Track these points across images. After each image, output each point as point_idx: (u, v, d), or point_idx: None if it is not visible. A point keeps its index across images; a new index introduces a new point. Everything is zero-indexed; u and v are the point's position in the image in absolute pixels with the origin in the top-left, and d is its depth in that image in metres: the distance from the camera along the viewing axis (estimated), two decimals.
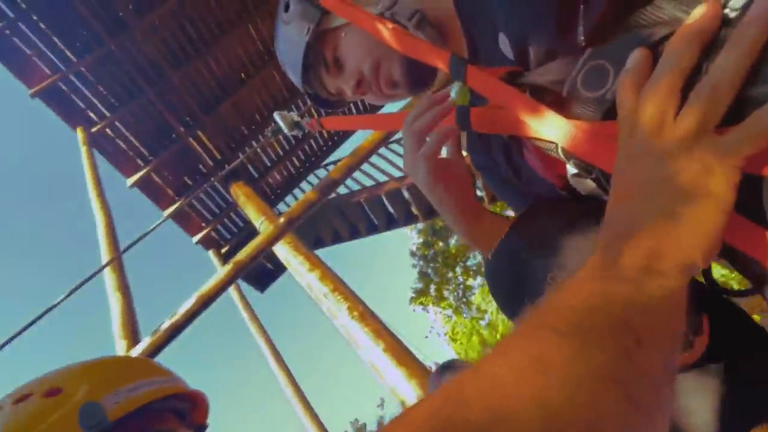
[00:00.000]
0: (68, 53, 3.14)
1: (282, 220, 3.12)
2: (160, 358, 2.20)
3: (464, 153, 0.50)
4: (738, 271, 0.33)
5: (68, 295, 2.08)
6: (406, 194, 4.71)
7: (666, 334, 0.21)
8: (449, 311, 10.29)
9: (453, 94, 0.43)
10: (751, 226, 0.25)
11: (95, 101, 3.38)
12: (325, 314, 2.76)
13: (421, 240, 10.70)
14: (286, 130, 0.83)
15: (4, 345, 1.99)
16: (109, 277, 2.52)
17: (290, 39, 0.57)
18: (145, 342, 2.24)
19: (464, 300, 10.24)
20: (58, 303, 2.05)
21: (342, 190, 4.48)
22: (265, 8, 3.76)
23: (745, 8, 0.23)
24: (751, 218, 0.25)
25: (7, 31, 2.95)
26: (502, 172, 0.50)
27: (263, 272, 5.07)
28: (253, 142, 4.30)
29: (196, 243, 4.25)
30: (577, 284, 0.22)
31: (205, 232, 4.23)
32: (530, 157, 0.44)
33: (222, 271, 2.65)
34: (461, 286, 10.32)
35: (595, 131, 0.32)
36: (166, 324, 2.29)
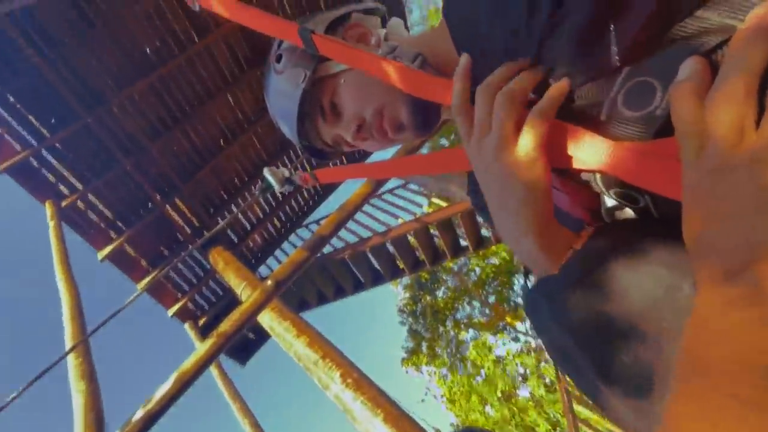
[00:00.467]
0: (42, 129, 3.10)
1: (269, 282, 2.98)
2: None
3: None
4: None
5: (27, 387, 1.83)
6: (390, 248, 4.66)
7: None
8: (444, 369, 9.81)
9: None
10: None
11: (67, 174, 3.30)
12: (315, 384, 2.53)
13: (407, 295, 10.48)
14: (276, 187, 0.80)
15: None
16: (72, 363, 2.26)
17: (284, 89, 0.55)
18: None
19: (458, 356, 9.84)
20: (14, 398, 1.79)
21: (325, 248, 4.39)
22: (244, 78, 3.91)
23: None
24: None
25: None
26: None
27: (244, 343, 4.75)
28: (233, 207, 4.24)
29: (172, 316, 3.98)
30: (729, 326, 0.18)
31: (181, 303, 3.98)
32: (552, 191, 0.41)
33: (203, 345, 2.44)
34: (453, 341, 9.96)
35: (645, 151, 0.29)
36: (139, 414, 2.02)
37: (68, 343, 2.29)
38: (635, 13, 0.27)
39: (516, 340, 10.15)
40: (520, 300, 9.81)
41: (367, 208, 4.60)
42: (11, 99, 2.95)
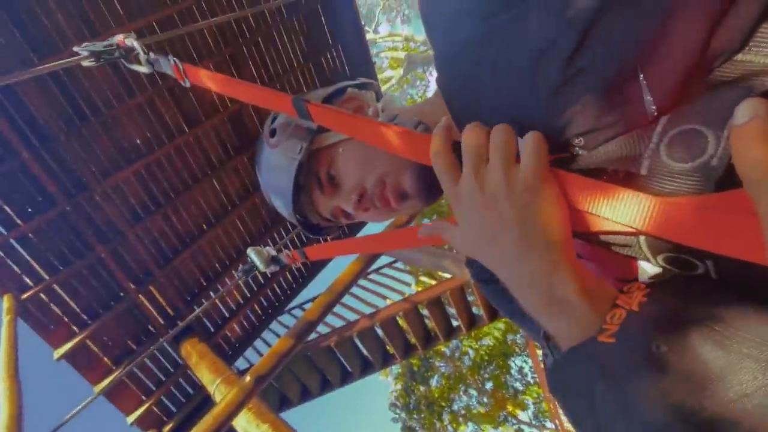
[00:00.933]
0: (15, 217, 2.99)
1: (248, 379, 2.67)
2: None
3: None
4: None
5: None
6: (379, 332, 4.39)
7: None
8: None
9: None
10: None
11: (34, 265, 3.10)
12: None
13: (399, 387, 9.70)
14: (261, 267, 0.76)
15: None
16: None
17: (278, 163, 0.53)
18: None
19: None
20: None
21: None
22: (230, 164, 4.00)
23: None
24: None
25: None
26: None
27: None
28: (212, 294, 4.02)
29: (132, 424, 3.47)
30: None
31: (145, 407, 3.50)
32: None
33: None
34: None
35: (705, 206, 0.25)
36: None
37: None
38: (672, 59, 0.25)
39: (519, 431, 9.25)
40: (518, 385, 9.21)
41: (352, 289, 4.44)
42: None
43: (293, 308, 4.75)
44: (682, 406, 0.22)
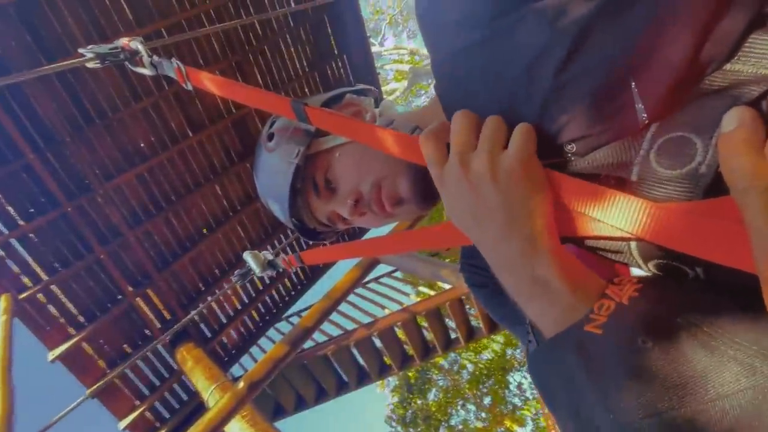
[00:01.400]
0: (17, 217, 3.00)
1: (241, 385, 2.64)
2: None
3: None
4: None
5: None
6: (377, 342, 4.36)
7: None
8: None
9: None
10: None
11: (34, 265, 3.11)
12: None
13: (396, 399, 9.58)
14: (257, 271, 0.76)
15: None
16: None
17: (275, 167, 0.53)
18: None
19: None
20: None
21: (305, 344, 4.06)
22: (233, 170, 4.02)
23: None
24: None
25: None
26: None
27: None
28: (209, 298, 4.00)
29: (124, 429, 3.42)
30: None
31: (137, 412, 3.46)
32: None
33: None
34: None
35: (695, 212, 0.25)
36: None
37: None
38: (663, 68, 0.25)
39: None
40: (517, 401, 9.08)
41: (351, 298, 4.41)
42: None
43: (291, 315, 4.73)
44: (661, 401, 0.22)
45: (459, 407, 9.32)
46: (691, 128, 0.26)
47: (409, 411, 9.20)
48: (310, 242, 0.66)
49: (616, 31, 0.26)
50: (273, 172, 0.54)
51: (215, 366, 3.37)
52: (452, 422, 9.24)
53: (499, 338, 8.16)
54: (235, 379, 4.12)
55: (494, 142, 0.31)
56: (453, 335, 4.47)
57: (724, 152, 0.22)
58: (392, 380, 9.39)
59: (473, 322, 4.48)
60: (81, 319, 3.30)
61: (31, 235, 3.05)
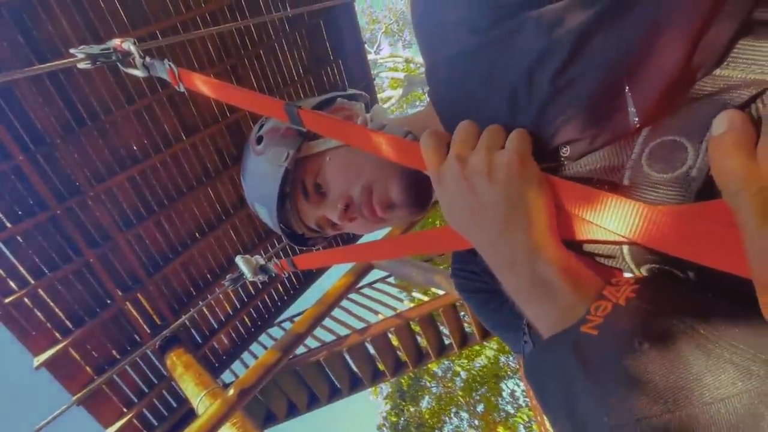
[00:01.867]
0: (3, 219, 2.95)
1: (231, 392, 2.60)
2: None
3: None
4: None
5: None
6: (370, 348, 4.32)
7: None
8: None
9: None
10: None
11: (20, 268, 3.05)
12: None
13: (388, 406, 9.50)
14: (249, 275, 0.75)
15: None
16: None
17: (263, 170, 0.52)
18: None
19: None
20: None
21: (297, 350, 4.01)
22: (227, 173, 4.00)
23: None
24: None
25: None
26: (506, 296, 0.41)
27: None
28: (201, 303, 3.95)
29: None
30: None
31: (125, 419, 3.39)
32: None
33: None
34: None
35: (688, 215, 0.25)
36: None
37: None
38: (656, 73, 0.26)
39: None
40: (510, 408, 9.05)
41: (344, 303, 4.39)
42: None
43: (283, 321, 4.68)
44: (656, 404, 0.21)
45: (452, 415, 9.28)
46: (682, 132, 0.26)
47: (402, 418, 9.13)
48: (299, 248, 0.65)
49: (613, 37, 0.26)
50: (261, 175, 0.53)
51: (205, 372, 3.32)
52: (445, 430, 9.18)
53: (493, 345, 8.15)
54: (226, 386, 4.06)
55: (492, 141, 0.32)
56: (446, 341, 4.46)
57: (714, 155, 0.22)
58: (385, 387, 9.33)
59: (467, 328, 4.47)
60: (68, 324, 3.24)
61: (18, 237, 2.99)
